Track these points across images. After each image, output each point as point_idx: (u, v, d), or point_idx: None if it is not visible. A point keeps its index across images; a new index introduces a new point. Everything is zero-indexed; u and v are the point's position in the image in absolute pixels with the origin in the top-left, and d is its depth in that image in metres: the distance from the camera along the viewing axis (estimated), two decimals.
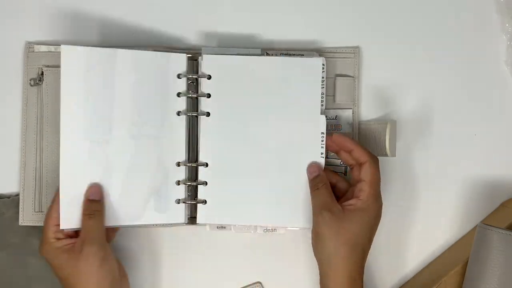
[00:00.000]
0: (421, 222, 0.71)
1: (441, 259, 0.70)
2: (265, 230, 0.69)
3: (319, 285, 0.64)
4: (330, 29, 0.71)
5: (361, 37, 0.71)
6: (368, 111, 0.71)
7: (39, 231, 0.67)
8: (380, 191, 0.63)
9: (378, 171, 0.63)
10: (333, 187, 0.65)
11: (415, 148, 0.71)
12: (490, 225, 0.62)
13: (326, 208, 0.62)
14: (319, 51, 0.70)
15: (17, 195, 0.69)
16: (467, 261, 0.65)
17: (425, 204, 0.71)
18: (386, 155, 0.67)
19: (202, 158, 0.67)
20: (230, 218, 0.67)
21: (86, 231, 0.61)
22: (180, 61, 0.67)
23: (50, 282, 0.68)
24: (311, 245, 0.63)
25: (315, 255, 0.63)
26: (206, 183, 0.67)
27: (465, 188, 0.71)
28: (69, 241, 0.62)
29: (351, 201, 0.62)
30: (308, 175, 0.65)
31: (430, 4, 0.72)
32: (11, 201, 0.69)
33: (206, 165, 0.67)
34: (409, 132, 0.71)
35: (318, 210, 0.62)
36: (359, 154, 0.63)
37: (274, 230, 0.69)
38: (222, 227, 0.69)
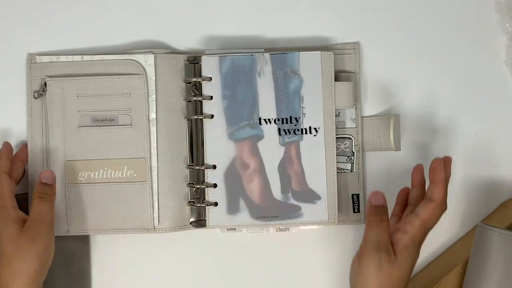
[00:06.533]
0: None
1: (441, 259, 0.70)
2: (277, 230, 0.69)
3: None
4: (331, 26, 0.71)
5: (361, 33, 0.71)
6: (370, 106, 0.71)
7: None
8: (423, 239, 0.58)
9: (437, 218, 0.58)
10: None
11: (415, 146, 0.71)
12: (490, 225, 0.62)
13: (384, 250, 0.56)
14: (319, 49, 0.69)
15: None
16: (467, 261, 0.65)
17: None
18: (390, 149, 0.67)
19: (209, 160, 0.67)
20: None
21: (36, 212, 0.62)
22: None
23: (49, 282, 0.68)
24: (350, 275, 0.59)
25: (353, 284, 0.59)
26: (215, 185, 0.67)
27: (465, 188, 0.71)
28: (21, 214, 0.62)
29: (398, 235, 0.57)
30: (371, 201, 0.59)
31: (430, 5, 0.72)
32: None
33: (214, 167, 0.67)
34: (409, 130, 0.71)
35: (370, 249, 0.56)
36: (437, 191, 0.58)
37: (286, 229, 0.69)
38: (232, 229, 0.69)
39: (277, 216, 0.67)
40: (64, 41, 0.71)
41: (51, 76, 0.68)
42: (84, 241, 0.69)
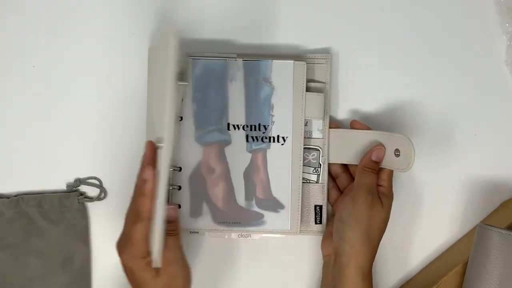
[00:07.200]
0: (421, 222, 0.71)
1: (441, 259, 0.70)
2: (239, 236, 0.69)
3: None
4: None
5: (356, 39, 0.71)
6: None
7: (39, 231, 0.68)
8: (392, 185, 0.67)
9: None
10: (336, 179, 0.69)
11: (415, 145, 0.71)
12: (490, 225, 0.62)
13: (375, 193, 0.64)
14: (292, 57, 0.68)
15: (17, 195, 0.69)
16: (467, 261, 0.65)
17: (425, 204, 0.71)
18: (403, 170, 0.65)
19: (175, 162, 0.67)
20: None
21: (169, 249, 0.60)
22: None
23: (50, 282, 0.68)
24: (335, 225, 0.65)
25: (337, 236, 0.64)
26: (180, 188, 0.67)
27: (465, 188, 0.71)
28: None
29: (377, 187, 0.65)
30: (373, 156, 0.65)
31: (430, 5, 0.72)
32: (10, 201, 0.69)
33: (180, 169, 0.67)
34: (409, 130, 0.71)
35: (364, 190, 0.64)
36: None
37: (248, 235, 0.68)
38: (195, 232, 0.68)
39: (239, 223, 0.67)
40: (59, 40, 0.70)
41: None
42: (84, 241, 0.69)
